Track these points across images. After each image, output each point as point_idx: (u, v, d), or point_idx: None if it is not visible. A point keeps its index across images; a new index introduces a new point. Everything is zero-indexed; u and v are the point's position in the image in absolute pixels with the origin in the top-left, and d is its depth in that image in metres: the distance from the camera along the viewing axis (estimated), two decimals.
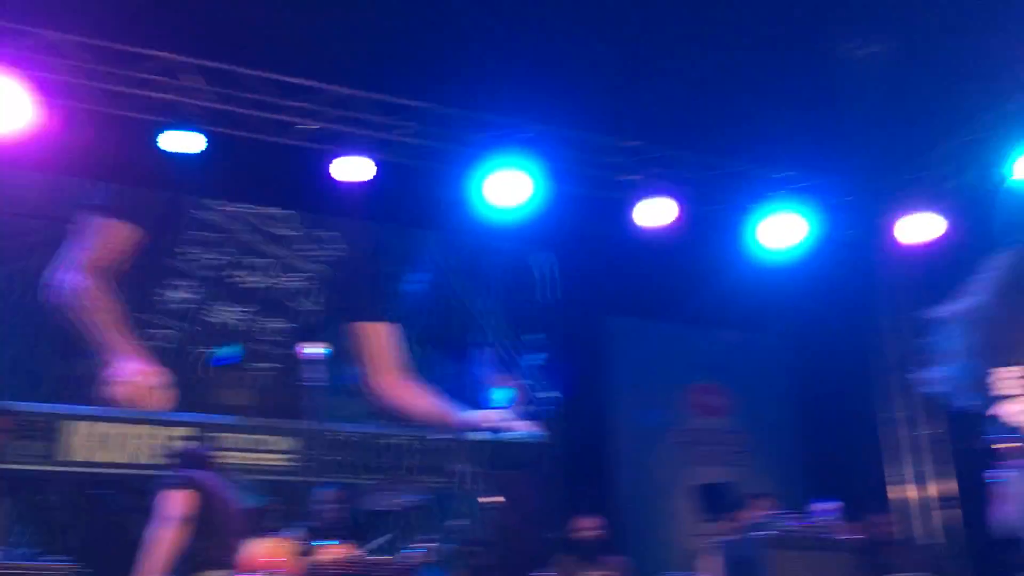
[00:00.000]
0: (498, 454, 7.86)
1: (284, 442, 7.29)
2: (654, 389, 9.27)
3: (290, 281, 8.02)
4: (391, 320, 8.13)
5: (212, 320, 7.67)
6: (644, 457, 9.03)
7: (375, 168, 7.29)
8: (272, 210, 8.08)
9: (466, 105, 7.51)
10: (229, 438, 7.13)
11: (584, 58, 7.48)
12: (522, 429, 8.07)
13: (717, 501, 7.97)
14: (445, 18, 7.27)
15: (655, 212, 7.93)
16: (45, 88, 6.44)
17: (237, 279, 7.80)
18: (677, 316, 9.26)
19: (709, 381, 9.57)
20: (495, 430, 7.99)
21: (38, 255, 7.08)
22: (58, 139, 6.67)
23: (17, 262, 7.10)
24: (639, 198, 7.96)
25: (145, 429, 6.58)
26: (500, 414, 7.89)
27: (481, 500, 6.47)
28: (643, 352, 9.27)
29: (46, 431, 6.26)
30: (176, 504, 4.93)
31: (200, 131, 6.83)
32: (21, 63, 6.27)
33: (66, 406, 6.57)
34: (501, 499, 6.61)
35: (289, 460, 7.26)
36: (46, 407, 6.38)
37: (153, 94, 6.81)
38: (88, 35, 6.55)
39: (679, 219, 7.96)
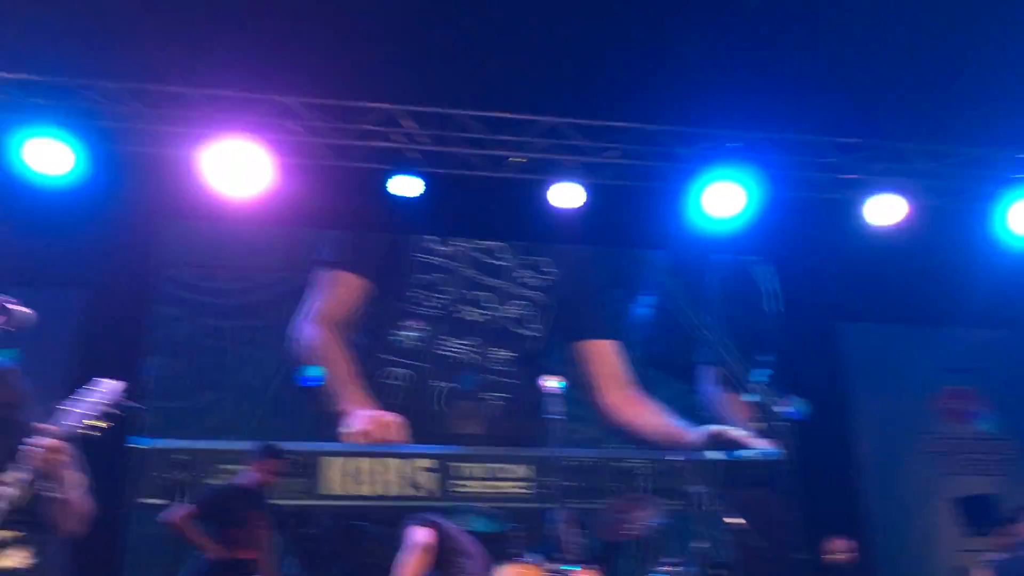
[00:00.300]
0: (735, 473, 7.64)
1: (520, 470, 7.47)
2: (899, 396, 8.67)
3: (510, 310, 8.19)
4: (615, 337, 8.11)
5: (443, 355, 7.97)
6: (893, 469, 8.45)
7: (586, 193, 7.33)
8: (487, 243, 8.32)
9: (673, 120, 7.41)
10: (468, 467, 7.39)
11: (789, 59, 7.21)
12: (758, 446, 7.80)
13: (982, 514, 7.34)
14: (642, 36, 7.24)
15: (883, 210, 7.48)
16: (280, 149, 6.95)
17: (462, 314, 8.07)
18: (919, 317, 8.64)
19: (961, 385, 8.85)
20: (730, 449, 7.77)
21: (286, 306, 7.68)
22: (294, 195, 7.18)
23: (269, 314, 7.72)
24: (864, 197, 7.53)
25: (392, 463, 6.97)
26: (735, 432, 7.66)
27: (723, 521, 6.27)
28: (883, 358, 8.70)
29: (307, 468, 6.76)
30: (418, 536, 5.22)
31: (419, 174, 7.14)
32: (259, 129, 6.82)
33: (322, 444, 7.06)
34: (742, 520, 6.39)
35: (526, 487, 7.41)
36: (306, 445, 6.88)
37: (374, 143, 7.20)
38: (313, 96, 7.02)
39: (910, 214, 7.46)
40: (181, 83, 6.73)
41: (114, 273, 7.31)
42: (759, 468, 7.64)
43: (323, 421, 7.42)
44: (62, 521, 2.95)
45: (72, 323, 7.05)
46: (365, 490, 6.99)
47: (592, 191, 7.36)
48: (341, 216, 7.85)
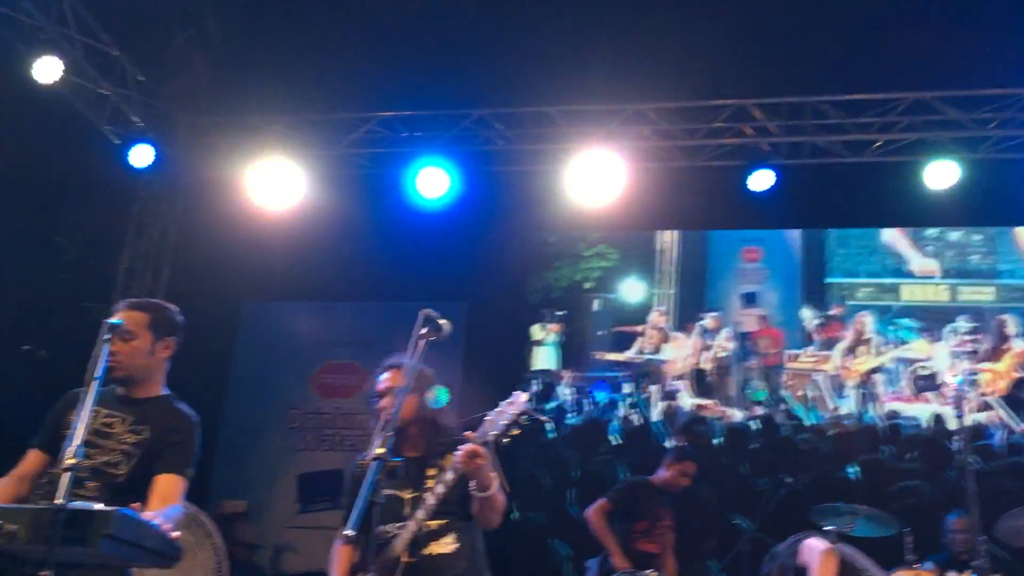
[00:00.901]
0: None
1: None
2: None
3: None
4: None
5: None
6: None
7: (961, 170, 6.69)
8: None
9: None
10: None
11: None
12: None
13: None
14: None
15: None
16: (633, 155, 7.11)
17: None
18: None
19: None
20: None
21: None
22: (646, 198, 7.27)
23: None
24: None
25: None
26: None
27: None
28: None
29: None
30: (820, 545, 5.15)
31: (773, 167, 6.95)
32: (613, 137, 7.03)
33: None
34: None
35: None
36: None
37: (725, 140, 7.13)
38: (663, 100, 7.11)
39: None
40: (539, 103, 7.14)
41: (489, 284, 7.85)
42: None
43: None
44: (482, 514, 3.28)
45: (457, 333, 7.68)
46: None
47: (970, 168, 6.71)
48: (695, 216, 7.86)
